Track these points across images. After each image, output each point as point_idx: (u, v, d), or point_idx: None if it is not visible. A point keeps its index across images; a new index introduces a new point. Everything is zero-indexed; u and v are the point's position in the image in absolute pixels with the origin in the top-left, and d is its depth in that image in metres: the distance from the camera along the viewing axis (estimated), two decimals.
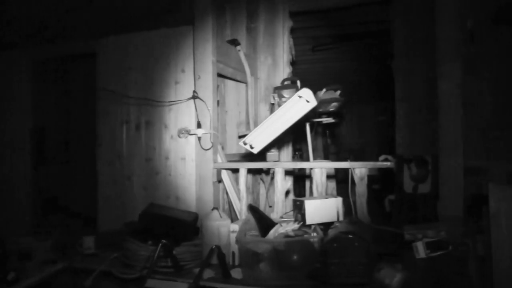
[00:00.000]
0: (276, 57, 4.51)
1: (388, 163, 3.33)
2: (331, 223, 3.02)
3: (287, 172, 4.33)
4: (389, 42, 4.39)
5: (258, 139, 3.14)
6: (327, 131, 8.52)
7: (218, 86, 4.13)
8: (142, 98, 3.87)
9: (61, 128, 5.52)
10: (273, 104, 3.76)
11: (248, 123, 4.42)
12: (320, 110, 3.85)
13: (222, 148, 3.93)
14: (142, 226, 3.24)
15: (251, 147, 3.16)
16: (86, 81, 4.92)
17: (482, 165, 3.45)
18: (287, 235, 2.84)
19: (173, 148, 3.83)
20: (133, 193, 3.95)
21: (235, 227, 3.04)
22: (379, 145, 8.85)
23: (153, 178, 3.89)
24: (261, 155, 3.65)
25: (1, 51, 4.59)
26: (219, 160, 3.72)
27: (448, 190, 3.11)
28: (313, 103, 3.03)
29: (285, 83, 3.96)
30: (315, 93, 3.72)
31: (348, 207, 3.38)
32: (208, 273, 2.80)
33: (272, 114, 3.16)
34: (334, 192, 4.13)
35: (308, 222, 2.98)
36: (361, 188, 3.33)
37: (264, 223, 3.06)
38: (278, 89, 3.73)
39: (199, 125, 3.58)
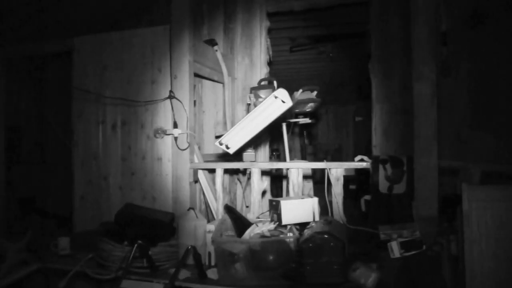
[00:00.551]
0: (254, 58, 4.52)
1: (364, 164, 3.36)
2: (307, 223, 3.04)
3: (264, 173, 4.34)
4: (367, 44, 4.44)
5: (234, 140, 3.14)
6: (305, 132, 8.57)
7: (195, 86, 4.13)
8: (118, 98, 3.84)
9: (37, 128, 5.44)
10: (249, 104, 3.76)
11: (225, 123, 4.41)
12: (297, 110, 3.87)
13: (199, 148, 3.92)
14: (118, 227, 3.21)
15: (227, 147, 3.16)
16: (62, 80, 4.86)
17: (457, 165, 3.51)
18: (263, 235, 2.85)
19: (149, 148, 3.82)
20: (109, 193, 3.92)
21: (211, 227, 3.04)
22: (356, 146, 8.92)
23: (129, 178, 3.87)
24: (239, 155, 3.65)
25: None
26: (196, 160, 3.71)
27: (423, 190, 3.17)
28: (289, 103, 3.04)
29: (262, 83, 3.97)
30: (292, 93, 3.74)
31: (324, 207, 3.41)
32: (184, 274, 2.79)
33: (248, 115, 3.17)
34: (312, 193, 4.15)
35: (284, 222, 2.99)
36: (337, 188, 3.36)
37: (240, 223, 3.06)
38: (254, 90, 3.74)
39: (175, 125, 3.57)
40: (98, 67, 3.96)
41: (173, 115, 3.61)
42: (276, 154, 6.73)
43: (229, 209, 3.24)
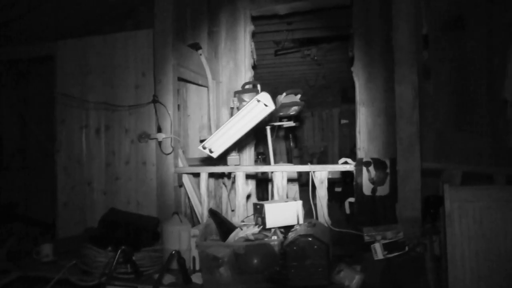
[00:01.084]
0: (238, 61, 4.53)
1: (348, 166, 3.38)
2: (292, 226, 3.05)
3: (250, 176, 4.34)
4: (351, 47, 4.47)
5: (217, 143, 3.14)
6: (291, 135, 8.58)
7: (179, 90, 4.12)
8: (101, 103, 3.82)
9: (19, 133, 5.38)
10: (232, 108, 3.77)
11: (210, 127, 4.41)
12: (281, 114, 3.88)
13: (183, 152, 3.91)
14: (101, 232, 3.19)
15: (211, 151, 3.15)
16: (44, 85, 4.81)
17: (439, 166, 3.56)
18: (247, 239, 2.84)
19: (133, 153, 3.80)
20: (93, 198, 3.90)
21: (196, 231, 3.03)
22: (342, 149, 8.96)
23: (113, 183, 3.84)
24: (225, 159, 3.65)
25: None
26: (180, 164, 3.69)
27: (406, 192, 3.19)
28: (271, 107, 3.05)
29: (246, 87, 3.97)
30: (275, 97, 3.75)
31: (309, 210, 3.42)
32: (168, 279, 2.78)
33: (230, 118, 3.17)
34: (297, 195, 4.16)
35: (268, 225, 2.99)
36: (322, 191, 3.37)
37: (224, 227, 3.06)
38: (238, 93, 3.74)
39: (159, 130, 3.55)
40: (81, 72, 3.93)
41: (157, 119, 3.59)
42: (262, 158, 6.73)
43: (214, 213, 3.24)
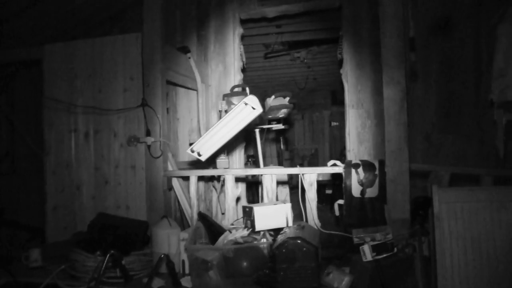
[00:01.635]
0: (227, 64, 4.53)
1: (337, 168, 3.39)
2: (281, 228, 3.05)
3: (240, 179, 4.35)
4: (340, 49, 4.50)
5: (205, 147, 3.14)
6: (281, 137, 8.59)
7: (168, 94, 4.11)
8: (90, 107, 3.80)
9: (7, 138, 5.33)
10: (221, 111, 3.77)
11: (200, 130, 4.41)
12: (270, 116, 3.89)
13: (173, 155, 3.90)
14: (91, 237, 3.18)
15: (199, 155, 3.16)
16: (32, 88, 4.78)
17: (427, 168, 3.58)
18: (236, 242, 2.85)
19: (122, 157, 3.78)
20: (82, 202, 3.87)
21: (185, 235, 3.03)
22: (332, 151, 8.99)
23: (103, 187, 3.82)
24: (215, 162, 3.66)
25: None
26: (170, 168, 3.69)
27: (395, 193, 3.22)
28: (259, 110, 3.06)
29: (235, 90, 3.98)
30: (264, 99, 3.76)
31: (300, 213, 3.43)
32: (158, 282, 2.77)
33: (218, 122, 3.17)
34: (288, 198, 4.17)
35: (257, 228, 2.99)
36: (311, 194, 3.38)
37: (213, 230, 3.06)
38: (227, 96, 3.75)
39: (148, 133, 3.55)
40: (69, 76, 3.90)
41: (146, 123, 3.59)
42: (252, 160, 6.72)
43: (203, 217, 3.23)
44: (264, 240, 2.90)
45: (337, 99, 8.34)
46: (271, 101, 3.66)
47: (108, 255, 2.68)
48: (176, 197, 3.81)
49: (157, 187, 3.57)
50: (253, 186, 5.15)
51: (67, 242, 3.42)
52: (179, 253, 3.02)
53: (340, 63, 4.46)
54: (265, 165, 4.21)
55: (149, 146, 3.56)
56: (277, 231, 3.05)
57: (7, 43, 4.30)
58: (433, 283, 2.61)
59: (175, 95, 4.54)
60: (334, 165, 3.44)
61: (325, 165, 3.53)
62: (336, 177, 3.77)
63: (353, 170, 3.28)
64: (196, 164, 4.12)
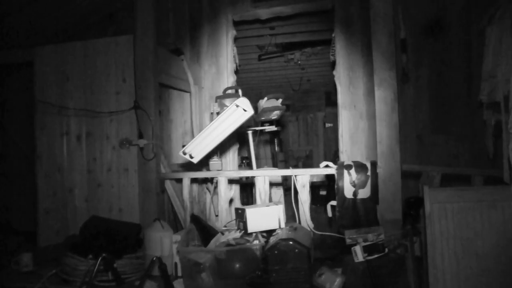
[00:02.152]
0: (220, 66, 4.53)
1: (329, 170, 3.40)
2: (274, 230, 3.05)
3: (234, 181, 4.34)
4: (333, 51, 4.50)
5: (197, 149, 3.14)
6: (275, 139, 8.59)
7: (161, 96, 4.10)
8: (82, 109, 3.79)
9: None
10: (212, 113, 3.76)
11: (193, 132, 4.40)
12: (263, 118, 3.89)
13: (166, 158, 3.89)
14: (83, 240, 3.16)
15: (191, 157, 3.15)
16: (24, 91, 4.75)
17: (419, 169, 3.59)
18: (228, 244, 2.84)
19: (115, 159, 3.77)
20: (74, 206, 3.85)
21: (178, 237, 3.02)
22: (327, 152, 8.98)
23: (95, 190, 3.81)
24: (208, 164, 3.65)
25: None
26: (163, 170, 3.68)
27: (387, 194, 3.23)
28: (250, 112, 3.06)
29: (228, 91, 3.98)
30: (257, 101, 3.76)
31: (293, 214, 3.43)
32: (150, 285, 2.76)
33: (210, 124, 3.17)
34: (282, 199, 4.16)
35: (249, 230, 2.99)
36: (304, 195, 3.38)
37: (206, 232, 3.05)
38: (220, 98, 3.74)
39: (140, 136, 3.54)
40: (61, 78, 3.88)
41: (138, 125, 3.58)
42: (246, 162, 6.71)
43: (195, 219, 3.23)
44: (256, 241, 2.90)
45: (331, 101, 8.32)
46: (264, 103, 3.66)
47: (100, 258, 2.68)
48: (169, 200, 3.80)
49: (150, 190, 3.56)
50: (247, 188, 5.15)
51: (59, 245, 3.41)
52: (171, 255, 3.02)
53: (332, 65, 4.47)
54: (260, 166, 4.21)
55: (141, 149, 3.55)
56: (269, 233, 3.05)
57: None
58: (424, 283, 2.61)
59: (168, 97, 4.53)
60: (327, 166, 3.44)
61: (319, 166, 3.54)
62: (330, 178, 3.77)
63: (345, 171, 3.28)
64: (190, 166, 4.12)
